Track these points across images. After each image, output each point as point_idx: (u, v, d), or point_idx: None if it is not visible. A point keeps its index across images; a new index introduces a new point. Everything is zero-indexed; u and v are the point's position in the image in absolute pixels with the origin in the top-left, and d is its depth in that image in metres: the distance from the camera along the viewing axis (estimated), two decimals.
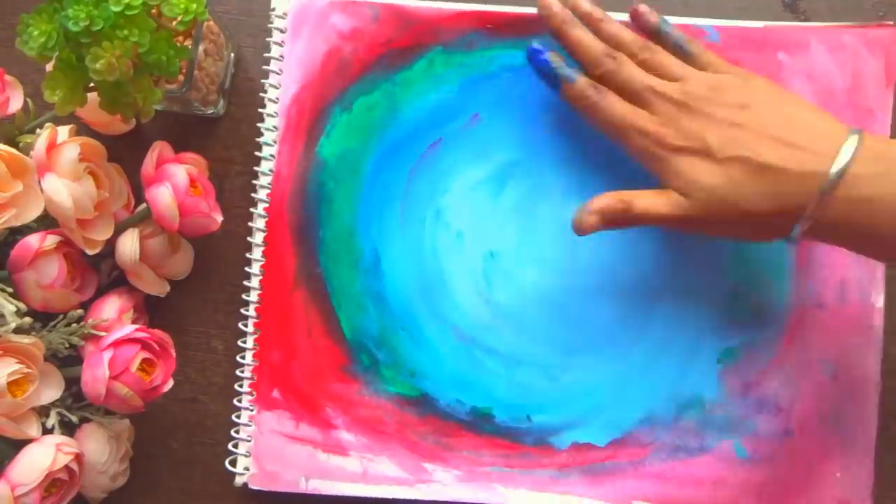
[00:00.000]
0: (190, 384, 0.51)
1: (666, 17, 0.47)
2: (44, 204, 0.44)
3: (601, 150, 0.50)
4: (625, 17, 0.51)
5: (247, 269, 0.50)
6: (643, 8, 0.47)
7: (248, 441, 0.49)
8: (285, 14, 0.51)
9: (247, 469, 0.49)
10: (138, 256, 0.47)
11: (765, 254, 0.49)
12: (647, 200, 0.43)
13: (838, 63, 0.50)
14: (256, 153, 0.51)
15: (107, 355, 0.43)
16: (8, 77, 0.48)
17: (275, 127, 0.51)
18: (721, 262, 0.49)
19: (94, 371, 0.43)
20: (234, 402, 0.49)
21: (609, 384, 0.49)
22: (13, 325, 0.42)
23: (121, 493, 0.48)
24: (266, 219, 0.50)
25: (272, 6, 0.52)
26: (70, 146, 0.45)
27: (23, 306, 0.44)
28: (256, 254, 0.50)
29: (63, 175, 0.44)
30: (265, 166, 0.51)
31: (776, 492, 0.48)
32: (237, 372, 0.50)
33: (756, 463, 0.48)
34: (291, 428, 0.49)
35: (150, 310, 0.51)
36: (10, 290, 0.44)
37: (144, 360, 0.44)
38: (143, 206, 0.48)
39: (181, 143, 0.50)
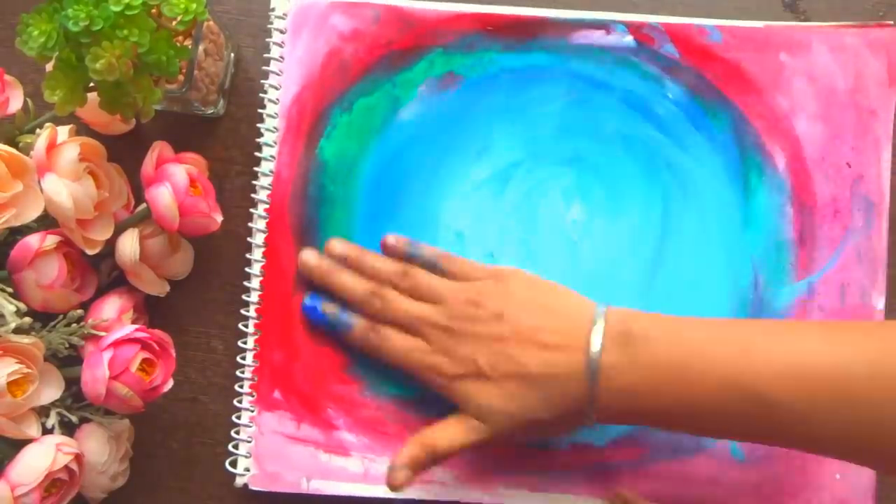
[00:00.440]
0: (190, 384, 0.51)
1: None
2: (44, 204, 0.44)
3: (601, 152, 0.50)
4: (620, 16, 0.51)
5: (247, 269, 0.50)
6: (390, 240, 0.48)
7: (249, 442, 0.49)
8: (285, 14, 0.51)
9: (247, 470, 0.49)
10: (138, 256, 0.47)
11: (765, 256, 0.49)
12: (450, 436, 0.44)
13: (840, 64, 0.50)
14: (256, 153, 0.51)
15: (107, 355, 0.43)
16: (8, 77, 0.48)
17: (275, 128, 0.51)
18: (721, 265, 0.49)
19: (94, 371, 0.43)
20: (235, 402, 0.49)
21: None
22: (13, 325, 0.42)
23: (121, 493, 0.48)
24: (267, 219, 0.50)
25: (272, 6, 0.51)
26: (70, 146, 0.45)
27: (23, 306, 0.44)
28: (257, 254, 0.50)
29: (63, 175, 0.44)
30: (265, 167, 0.51)
31: (774, 492, 0.48)
32: (238, 372, 0.50)
33: (753, 463, 0.48)
34: (293, 428, 0.49)
35: (149, 310, 0.51)
36: (9, 290, 0.44)
37: (144, 361, 0.44)
38: (143, 206, 0.48)
39: (181, 143, 0.50)
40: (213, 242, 0.51)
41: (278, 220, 0.50)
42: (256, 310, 0.50)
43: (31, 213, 0.44)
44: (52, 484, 0.43)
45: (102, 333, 0.45)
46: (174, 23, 0.44)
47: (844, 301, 0.49)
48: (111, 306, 0.48)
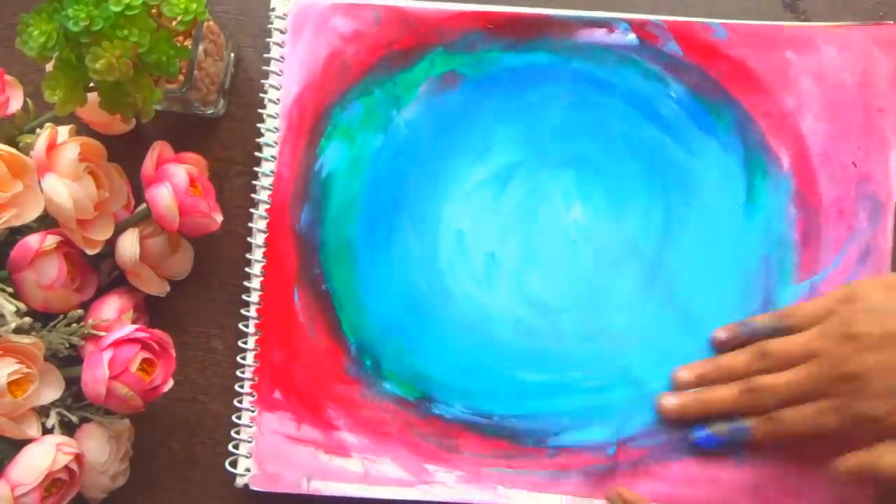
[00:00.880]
0: (190, 384, 0.51)
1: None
2: (44, 204, 0.44)
3: (603, 152, 0.50)
4: (623, 14, 0.50)
5: (247, 269, 0.50)
6: (720, 335, 0.47)
7: (249, 442, 0.49)
8: (285, 15, 0.51)
9: (248, 470, 0.49)
10: (138, 256, 0.47)
11: (768, 256, 0.49)
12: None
13: (847, 62, 0.49)
14: (257, 153, 0.51)
15: (107, 355, 0.43)
16: (8, 77, 0.48)
17: (276, 128, 0.51)
18: (724, 265, 0.49)
19: (94, 371, 0.43)
20: (235, 402, 0.49)
21: (609, 386, 0.49)
22: (13, 325, 0.42)
23: (121, 492, 0.48)
24: (267, 219, 0.50)
25: (272, 6, 0.51)
26: (70, 146, 0.45)
27: (23, 306, 0.44)
28: (257, 254, 0.50)
29: (63, 175, 0.44)
30: (266, 167, 0.50)
31: (773, 493, 0.47)
32: (238, 373, 0.50)
33: (752, 463, 0.47)
34: (293, 429, 0.49)
35: (149, 310, 0.51)
36: (10, 290, 0.44)
37: (144, 360, 0.44)
38: (143, 206, 0.48)
39: (181, 143, 0.50)
40: (213, 242, 0.51)
41: (279, 220, 0.50)
42: (257, 310, 0.50)
43: (32, 213, 0.44)
44: (53, 484, 0.43)
45: (102, 333, 0.45)
46: (174, 23, 0.44)
47: None
48: (111, 306, 0.48)
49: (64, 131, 0.45)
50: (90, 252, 0.46)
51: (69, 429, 0.45)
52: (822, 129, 0.49)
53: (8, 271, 0.45)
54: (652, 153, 0.50)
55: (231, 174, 0.52)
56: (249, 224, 0.50)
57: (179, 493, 0.50)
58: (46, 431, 0.44)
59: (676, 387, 0.48)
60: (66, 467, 0.43)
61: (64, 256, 0.46)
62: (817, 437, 0.43)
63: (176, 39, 0.46)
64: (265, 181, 0.50)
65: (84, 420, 0.46)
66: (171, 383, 0.46)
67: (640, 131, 0.50)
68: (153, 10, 0.43)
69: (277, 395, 0.49)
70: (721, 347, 0.48)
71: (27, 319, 0.43)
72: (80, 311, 0.46)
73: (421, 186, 0.51)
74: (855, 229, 0.49)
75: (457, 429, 0.49)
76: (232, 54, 0.52)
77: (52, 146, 0.44)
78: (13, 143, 0.47)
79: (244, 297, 0.50)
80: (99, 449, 0.46)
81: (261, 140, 0.51)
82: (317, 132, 0.51)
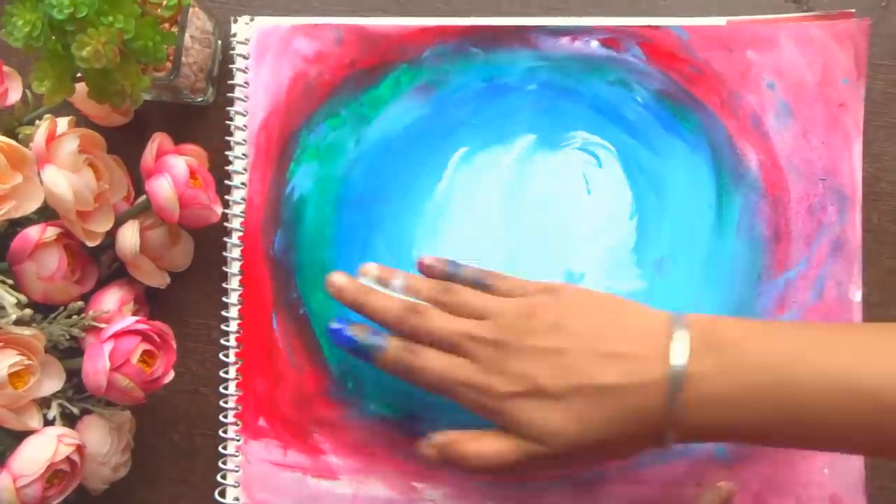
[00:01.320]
0: (191, 375, 0.51)
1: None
2: (43, 195, 0.44)
3: (573, 159, 0.50)
4: (586, 21, 0.50)
5: (224, 299, 0.50)
6: (428, 260, 0.45)
7: (237, 471, 0.49)
8: (247, 40, 0.51)
9: (237, 499, 0.49)
10: (138, 248, 0.47)
11: (741, 255, 0.49)
12: (494, 448, 0.40)
13: (807, 58, 0.49)
14: (226, 182, 0.50)
15: (107, 347, 0.43)
16: (7, 68, 0.48)
17: (244, 154, 0.50)
18: (697, 266, 0.49)
19: (95, 363, 0.43)
20: (221, 433, 0.49)
21: None
22: (14, 317, 0.42)
23: (122, 484, 0.48)
24: (241, 247, 0.50)
25: (233, 32, 0.51)
26: (69, 138, 0.44)
27: (23, 298, 0.44)
28: (233, 283, 0.50)
29: (63, 166, 0.44)
30: (237, 194, 0.50)
31: (762, 490, 0.47)
32: (221, 403, 0.50)
33: (739, 462, 0.47)
34: (279, 455, 0.49)
35: (150, 301, 0.51)
36: (10, 281, 0.44)
37: (145, 352, 0.44)
38: (143, 197, 0.48)
39: (181, 134, 0.50)
40: (214, 234, 0.51)
41: (252, 246, 0.50)
42: (237, 339, 0.50)
43: (31, 205, 0.44)
44: (54, 475, 0.43)
45: (103, 325, 0.45)
46: (159, 9, 0.43)
47: (822, 296, 0.48)
48: (111, 298, 0.48)
49: (63, 123, 0.45)
50: (90, 244, 0.46)
51: (70, 420, 0.45)
52: (787, 126, 0.49)
53: (8, 263, 0.45)
54: (621, 158, 0.50)
55: None
56: (224, 253, 0.50)
57: (181, 484, 0.51)
58: (48, 423, 0.44)
59: (359, 273, 0.45)
60: (68, 459, 0.43)
61: (64, 248, 0.46)
62: (435, 391, 0.42)
63: (162, 26, 0.45)
64: (236, 209, 0.50)
65: (85, 412, 0.46)
66: (171, 375, 0.46)
67: (609, 137, 0.50)
68: None
69: (262, 422, 0.49)
70: (419, 270, 0.45)
71: (28, 311, 0.43)
72: (80, 303, 0.46)
73: (394, 202, 0.50)
74: (824, 224, 0.49)
75: None
76: (219, 41, 0.52)
77: (51, 138, 0.44)
78: (12, 134, 0.47)
79: (223, 326, 0.50)
80: (100, 440, 0.46)
81: (229, 168, 0.50)
82: (286, 156, 0.51)
